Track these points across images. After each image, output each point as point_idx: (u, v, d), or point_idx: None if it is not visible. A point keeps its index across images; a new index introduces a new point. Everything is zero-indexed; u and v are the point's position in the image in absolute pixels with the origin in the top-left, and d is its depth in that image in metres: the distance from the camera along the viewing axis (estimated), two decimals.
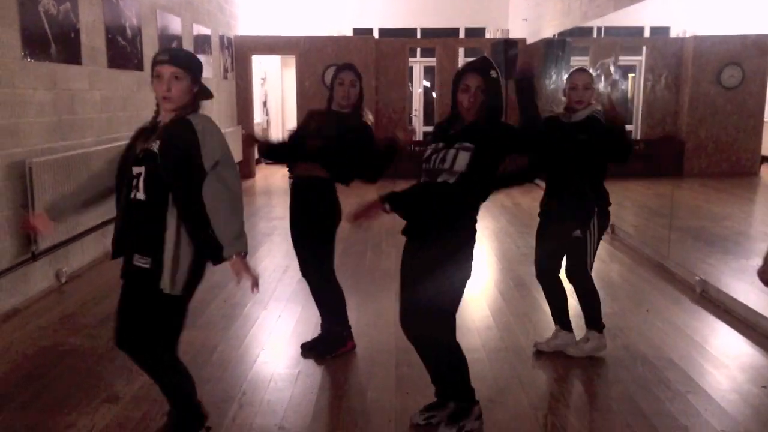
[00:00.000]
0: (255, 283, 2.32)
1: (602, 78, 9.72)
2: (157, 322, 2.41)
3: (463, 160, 2.54)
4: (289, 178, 3.56)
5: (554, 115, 3.53)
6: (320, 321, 3.70)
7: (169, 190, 2.28)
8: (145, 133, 2.40)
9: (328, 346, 3.59)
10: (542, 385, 3.34)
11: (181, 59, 2.33)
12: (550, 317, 3.73)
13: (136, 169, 2.33)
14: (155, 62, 2.34)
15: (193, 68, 2.36)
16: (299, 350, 3.66)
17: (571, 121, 3.40)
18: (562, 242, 3.49)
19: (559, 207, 3.46)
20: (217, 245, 2.29)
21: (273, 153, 3.65)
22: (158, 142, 2.30)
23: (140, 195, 2.32)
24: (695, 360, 3.56)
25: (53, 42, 4.77)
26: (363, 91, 3.51)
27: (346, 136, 3.34)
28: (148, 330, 2.40)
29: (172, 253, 2.29)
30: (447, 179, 2.56)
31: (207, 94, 2.44)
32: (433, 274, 2.60)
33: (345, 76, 3.45)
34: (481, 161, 2.55)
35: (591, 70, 3.65)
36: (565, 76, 3.63)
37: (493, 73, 2.59)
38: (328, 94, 3.54)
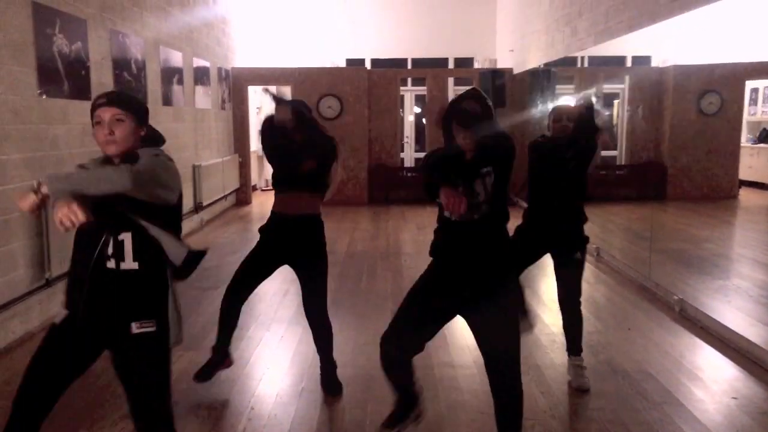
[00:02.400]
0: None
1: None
2: (168, 381, 2.28)
3: (489, 184, 2.45)
4: (276, 212, 3.51)
5: (536, 140, 3.71)
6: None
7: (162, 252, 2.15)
8: None
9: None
10: (530, 397, 3.56)
11: (121, 99, 2.18)
12: (540, 333, 3.99)
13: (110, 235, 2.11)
14: (94, 106, 2.15)
15: (137, 109, 2.19)
16: (302, 368, 3.90)
17: (555, 143, 3.55)
18: (568, 265, 3.63)
19: (553, 230, 3.58)
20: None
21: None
22: None
23: (129, 264, 2.12)
24: (672, 373, 3.82)
25: (66, 79, 5.05)
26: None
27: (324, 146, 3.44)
28: (166, 393, 2.27)
29: (174, 305, 2.21)
30: (484, 212, 2.48)
31: (157, 140, 2.28)
32: (514, 321, 2.59)
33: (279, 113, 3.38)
34: (502, 180, 2.50)
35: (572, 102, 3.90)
36: (551, 107, 3.88)
37: (488, 101, 2.53)
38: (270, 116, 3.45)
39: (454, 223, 2.53)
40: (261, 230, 3.59)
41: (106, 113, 2.12)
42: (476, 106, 2.46)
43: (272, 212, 3.53)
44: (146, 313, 2.17)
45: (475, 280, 2.52)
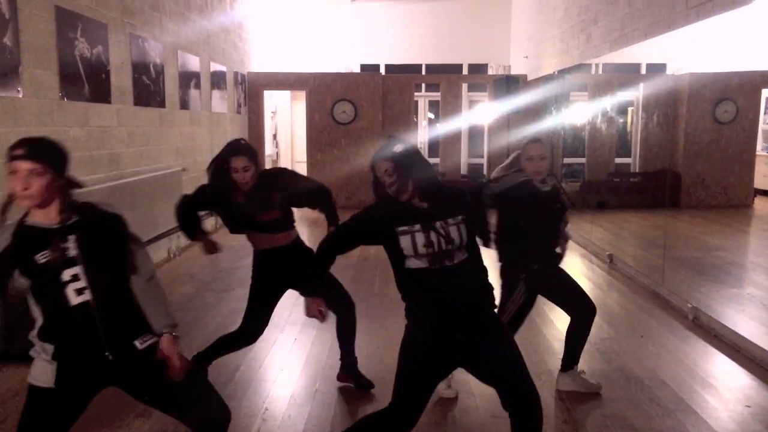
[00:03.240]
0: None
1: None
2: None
3: (464, 232, 2.40)
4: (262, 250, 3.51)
5: (528, 179, 3.43)
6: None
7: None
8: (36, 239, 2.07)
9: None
10: (543, 402, 3.58)
11: (39, 152, 2.03)
12: (553, 339, 4.00)
13: (69, 272, 2.07)
14: (10, 156, 2.02)
15: (56, 161, 2.07)
16: (316, 370, 3.94)
17: (544, 190, 3.44)
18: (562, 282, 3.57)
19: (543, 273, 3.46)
20: None
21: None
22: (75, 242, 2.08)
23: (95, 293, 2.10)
24: (685, 381, 3.82)
25: (86, 82, 5.14)
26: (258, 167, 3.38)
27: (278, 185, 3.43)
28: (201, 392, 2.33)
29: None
30: (462, 257, 2.41)
31: (75, 185, 2.18)
32: (511, 340, 2.57)
33: (237, 163, 3.27)
34: (472, 227, 2.47)
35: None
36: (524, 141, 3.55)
37: (398, 148, 2.40)
38: (222, 181, 3.33)
39: (430, 271, 2.38)
40: (255, 268, 3.57)
41: (23, 165, 2.00)
42: (386, 164, 2.38)
43: (256, 251, 3.53)
44: (143, 328, 2.22)
45: (465, 322, 2.42)
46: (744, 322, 4.76)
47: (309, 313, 2.70)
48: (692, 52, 10.72)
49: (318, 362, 4.08)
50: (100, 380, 2.19)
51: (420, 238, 2.34)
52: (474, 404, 3.52)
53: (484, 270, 2.51)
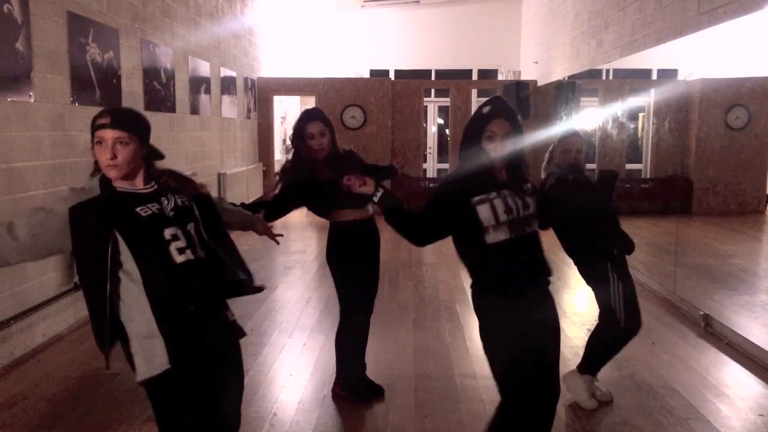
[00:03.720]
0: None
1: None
2: None
3: (533, 204, 2.43)
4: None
5: (567, 176, 3.46)
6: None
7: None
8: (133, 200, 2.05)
9: None
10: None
11: (123, 121, 2.04)
12: (564, 346, 3.91)
13: (169, 231, 2.05)
14: (95, 126, 2.03)
15: (140, 129, 2.09)
16: (324, 375, 3.92)
17: (586, 179, 3.49)
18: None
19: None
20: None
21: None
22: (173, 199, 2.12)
23: (196, 253, 2.09)
24: (697, 389, 3.78)
25: (98, 87, 5.16)
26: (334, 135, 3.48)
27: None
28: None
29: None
30: (535, 227, 2.45)
31: (157, 156, 2.19)
32: None
33: (312, 128, 3.39)
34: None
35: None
36: (560, 135, 3.65)
37: (519, 119, 2.46)
38: (297, 148, 3.43)
39: (511, 242, 2.33)
40: (345, 244, 3.49)
41: (108, 134, 1.99)
42: (506, 124, 2.36)
43: (341, 229, 3.50)
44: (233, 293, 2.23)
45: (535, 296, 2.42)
46: (757, 330, 4.71)
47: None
48: (704, 57, 10.66)
49: (326, 368, 4.06)
50: (208, 340, 2.11)
51: (499, 204, 2.32)
52: (484, 411, 3.49)
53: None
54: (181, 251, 2.04)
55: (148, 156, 2.12)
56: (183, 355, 2.01)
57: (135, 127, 2.06)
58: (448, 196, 2.40)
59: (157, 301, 2.01)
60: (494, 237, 2.32)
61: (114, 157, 1.98)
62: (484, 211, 2.31)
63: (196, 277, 2.06)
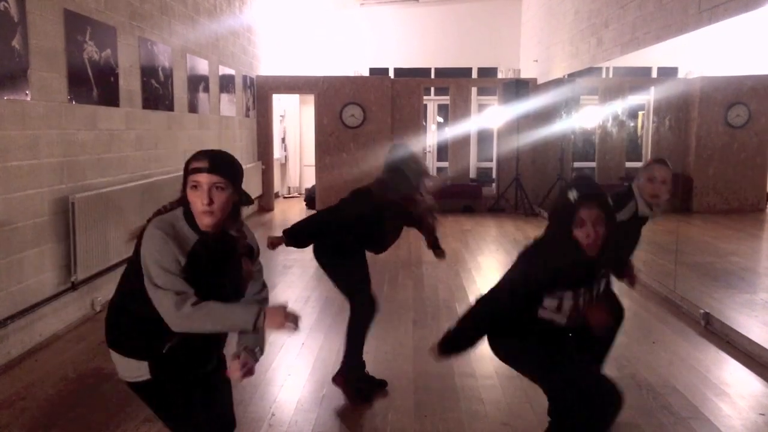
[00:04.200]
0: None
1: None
2: None
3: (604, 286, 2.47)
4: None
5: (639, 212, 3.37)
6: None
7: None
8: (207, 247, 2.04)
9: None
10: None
11: (222, 167, 1.99)
12: None
13: None
14: (191, 170, 1.99)
15: (237, 176, 2.04)
16: (323, 375, 3.90)
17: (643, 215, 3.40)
18: None
19: None
20: None
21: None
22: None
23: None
24: (698, 388, 3.76)
25: (95, 86, 5.14)
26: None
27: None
28: None
29: None
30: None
31: (247, 201, 2.11)
32: None
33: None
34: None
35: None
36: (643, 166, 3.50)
37: (610, 201, 2.33)
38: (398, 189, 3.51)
39: (564, 328, 2.38)
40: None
41: (205, 179, 1.95)
42: (596, 211, 2.24)
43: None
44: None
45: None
46: (757, 328, 4.69)
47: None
48: (704, 55, 10.64)
49: (325, 367, 4.05)
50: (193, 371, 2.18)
51: (567, 303, 2.31)
52: (483, 411, 3.47)
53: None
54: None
55: (239, 203, 2.08)
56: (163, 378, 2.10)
57: (232, 173, 2.02)
58: (546, 277, 2.32)
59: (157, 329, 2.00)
60: (549, 316, 2.34)
61: (211, 203, 1.95)
62: (548, 302, 2.32)
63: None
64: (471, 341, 2.46)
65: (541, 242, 2.38)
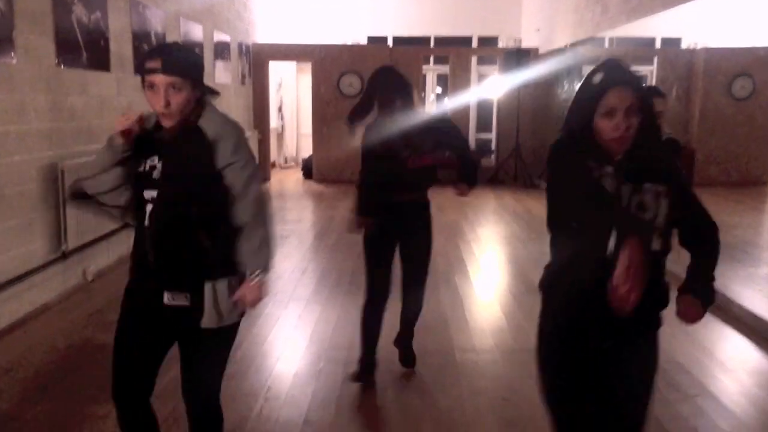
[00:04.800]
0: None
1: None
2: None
3: (663, 209, 1.79)
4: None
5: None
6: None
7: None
8: (144, 145, 1.96)
9: None
10: None
11: (177, 66, 1.89)
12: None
13: (148, 193, 1.97)
14: (145, 69, 1.90)
15: (192, 72, 1.95)
16: (320, 348, 3.81)
17: None
18: None
19: None
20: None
21: None
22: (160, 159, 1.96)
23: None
24: (704, 364, 3.68)
25: (84, 49, 4.96)
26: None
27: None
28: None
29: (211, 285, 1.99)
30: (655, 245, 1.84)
31: (212, 93, 2.06)
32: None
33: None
34: (676, 213, 1.83)
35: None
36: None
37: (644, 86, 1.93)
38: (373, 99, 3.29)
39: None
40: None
41: (160, 79, 1.87)
42: (629, 94, 1.74)
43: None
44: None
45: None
46: (759, 302, 4.60)
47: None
48: (708, 26, 10.44)
49: (322, 340, 3.96)
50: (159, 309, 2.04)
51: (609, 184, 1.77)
52: (485, 386, 3.39)
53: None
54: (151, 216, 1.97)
55: (202, 98, 1.99)
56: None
57: (189, 70, 1.93)
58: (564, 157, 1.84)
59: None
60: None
61: (168, 104, 1.88)
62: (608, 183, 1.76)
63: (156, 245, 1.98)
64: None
65: (556, 144, 1.87)
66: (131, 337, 2.06)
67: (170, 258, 1.97)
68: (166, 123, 1.94)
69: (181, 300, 1.98)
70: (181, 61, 1.93)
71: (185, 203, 1.93)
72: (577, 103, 1.82)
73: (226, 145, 1.96)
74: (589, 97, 1.76)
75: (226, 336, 2.10)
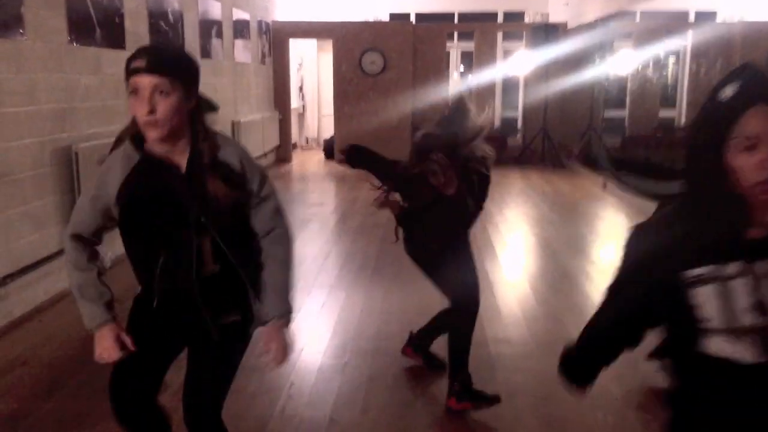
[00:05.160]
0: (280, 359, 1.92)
1: None
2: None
3: None
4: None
5: None
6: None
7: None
8: (145, 177, 1.70)
9: None
10: (600, 386, 3.24)
11: (165, 65, 1.61)
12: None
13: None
14: (129, 71, 1.61)
15: (183, 75, 1.66)
16: (345, 338, 3.62)
17: None
18: None
19: None
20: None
21: None
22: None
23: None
24: None
25: (98, 26, 4.77)
26: None
27: None
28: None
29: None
30: None
31: (210, 108, 1.79)
32: None
33: None
34: None
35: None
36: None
37: None
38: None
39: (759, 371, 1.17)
40: None
41: (144, 80, 1.58)
42: None
43: None
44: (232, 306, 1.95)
45: None
46: None
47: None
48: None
49: (347, 330, 3.77)
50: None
51: (741, 290, 1.18)
52: (523, 382, 3.18)
53: None
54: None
55: (195, 110, 1.70)
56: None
57: (179, 72, 1.64)
58: (649, 259, 1.26)
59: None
60: (722, 349, 1.20)
61: (152, 111, 1.58)
62: (702, 296, 1.20)
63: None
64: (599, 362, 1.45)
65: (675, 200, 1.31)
66: (139, 340, 1.90)
67: (217, 293, 1.83)
68: (152, 135, 1.63)
69: (233, 317, 1.89)
70: (170, 61, 1.65)
71: (229, 245, 1.77)
72: (697, 132, 1.22)
73: (254, 179, 1.78)
74: (716, 121, 1.18)
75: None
